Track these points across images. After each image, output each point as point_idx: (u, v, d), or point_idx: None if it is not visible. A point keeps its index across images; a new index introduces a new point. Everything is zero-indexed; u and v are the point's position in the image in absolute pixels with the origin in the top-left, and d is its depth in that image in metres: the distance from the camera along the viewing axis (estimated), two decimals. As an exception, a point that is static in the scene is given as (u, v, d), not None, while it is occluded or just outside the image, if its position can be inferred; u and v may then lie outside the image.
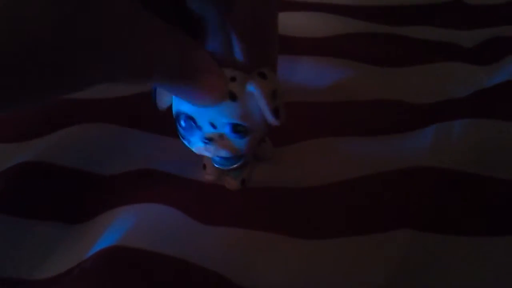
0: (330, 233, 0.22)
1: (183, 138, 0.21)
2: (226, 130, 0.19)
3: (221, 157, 0.22)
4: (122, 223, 0.22)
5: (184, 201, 0.23)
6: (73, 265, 0.21)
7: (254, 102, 0.19)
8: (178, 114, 0.20)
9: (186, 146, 0.21)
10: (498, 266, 0.20)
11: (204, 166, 0.24)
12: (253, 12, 0.19)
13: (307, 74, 0.31)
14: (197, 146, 0.20)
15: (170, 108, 0.21)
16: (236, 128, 0.19)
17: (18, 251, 0.23)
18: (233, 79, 0.19)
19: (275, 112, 0.19)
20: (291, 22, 0.35)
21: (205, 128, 0.19)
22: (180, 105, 0.19)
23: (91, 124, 0.28)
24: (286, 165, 0.25)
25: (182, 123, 0.20)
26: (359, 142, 0.26)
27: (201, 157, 0.24)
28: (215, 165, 0.23)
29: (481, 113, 0.26)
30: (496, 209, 0.22)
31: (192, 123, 0.19)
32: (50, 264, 0.22)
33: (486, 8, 0.37)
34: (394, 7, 0.38)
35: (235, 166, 0.23)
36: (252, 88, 0.18)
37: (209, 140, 0.19)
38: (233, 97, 0.19)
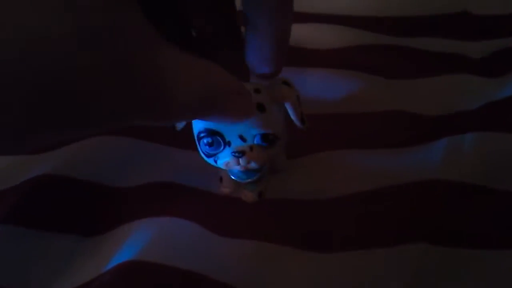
0: (343, 246, 0.22)
1: (208, 156, 0.21)
2: (257, 141, 0.20)
3: (242, 171, 0.22)
4: (139, 237, 0.22)
5: (200, 213, 0.24)
6: (91, 278, 0.22)
7: (278, 110, 0.20)
8: (202, 132, 0.20)
9: (206, 162, 0.21)
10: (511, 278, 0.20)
11: (221, 179, 0.25)
12: (282, 20, 0.19)
13: (318, 86, 0.31)
14: (226, 161, 0.20)
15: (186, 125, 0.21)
16: (266, 138, 0.19)
17: (35, 264, 0.23)
18: (257, 91, 0.19)
19: (302, 118, 0.20)
20: (303, 34, 0.35)
21: (234, 142, 0.20)
22: (205, 123, 0.20)
23: (106, 137, 0.28)
24: (299, 177, 0.26)
25: (208, 139, 0.20)
26: (370, 155, 0.27)
27: (216, 169, 0.25)
28: (233, 177, 0.23)
29: (492, 126, 0.27)
30: (508, 222, 0.22)
31: (220, 139, 0.19)
32: (67, 276, 0.22)
33: (494, 19, 0.37)
34: (402, 19, 0.38)
35: (253, 179, 0.23)
36: (283, 98, 0.19)
37: (240, 153, 0.20)
38: (261, 108, 0.19)
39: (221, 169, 0.24)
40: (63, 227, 0.24)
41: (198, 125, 0.20)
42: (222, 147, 0.20)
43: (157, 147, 0.28)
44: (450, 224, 0.22)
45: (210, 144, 0.20)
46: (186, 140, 0.27)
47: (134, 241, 0.22)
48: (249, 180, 0.23)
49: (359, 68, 0.32)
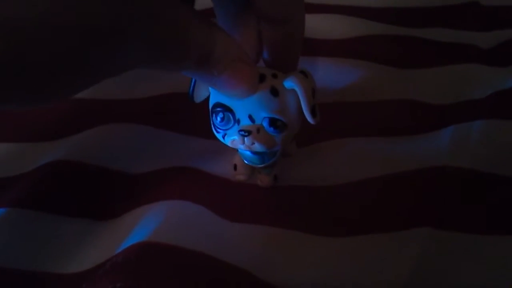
0: (351, 231, 0.22)
1: (217, 131, 0.21)
2: (265, 123, 0.20)
3: (256, 155, 0.22)
4: (151, 219, 0.23)
5: (211, 198, 0.24)
6: (104, 260, 0.22)
7: (293, 100, 0.20)
8: (216, 106, 0.20)
9: (218, 141, 0.21)
10: None
11: (235, 167, 0.25)
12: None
13: (327, 75, 0.31)
14: (232, 138, 0.20)
15: (202, 104, 0.21)
16: (274, 123, 0.19)
17: (48, 246, 0.23)
18: (274, 75, 0.19)
19: (313, 111, 0.20)
20: (311, 24, 0.35)
21: (243, 121, 0.20)
22: (219, 97, 0.20)
23: (119, 124, 0.29)
24: (307, 164, 0.26)
25: (220, 115, 0.20)
26: (378, 143, 0.27)
27: (230, 155, 0.25)
28: (248, 163, 0.23)
29: (499, 114, 0.27)
30: None
31: (230, 115, 0.20)
32: (80, 259, 0.23)
33: (503, 9, 0.37)
34: (411, 9, 0.38)
35: (269, 163, 0.23)
36: (294, 85, 0.19)
37: (246, 132, 0.20)
38: (275, 92, 0.19)
39: (236, 156, 0.25)
40: (76, 211, 0.25)
41: (213, 99, 0.20)
42: (231, 124, 0.20)
43: (168, 134, 0.28)
44: (456, 210, 0.23)
45: (222, 119, 0.20)
46: (197, 127, 0.27)
47: (146, 224, 0.23)
48: (264, 164, 0.23)
49: (368, 58, 0.32)
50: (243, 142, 0.20)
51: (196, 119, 0.23)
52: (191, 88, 0.20)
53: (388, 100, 0.30)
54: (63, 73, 0.13)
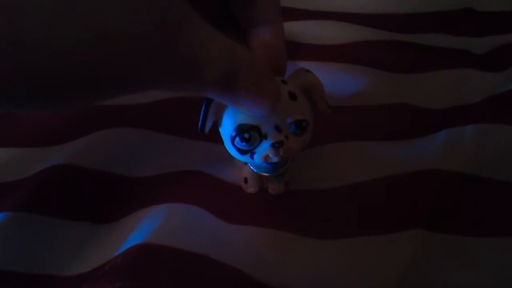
0: (346, 233, 0.23)
1: (243, 153, 0.20)
2: (292, 129, 0.20)
3: (270, 165, 0.22)
4: (150, 222, 0.23)
5: (210, 200, 0.24)
6: (103, 262, 0.23)
7: (305, 98, 0.20)
8: (236, 129, 0.19)
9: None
10: (508, 266, 0.21)
11: (246, 180, 0.25)
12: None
13: (325, 80, 0.31)
14: (263, 154, 0.20)
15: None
16: (300, 125, 0.20)
17: (50, 250, 0.24)
18: (284, 82, 0.20)
19: (327, 103, 0.21)
20: (311, 31, 0.36)
21: (271, 134, 0.20)
22: (237, 119, 0.19)
23: (121, 129, 0.29)
24: (307, 168, 0.26)
25: (246, 135, 0.19)
26: (374, 146, 0.27)
27: (230, 158, 0.25)
28: (260, 172, 0.23)
29: (493, 119, 0.27)
30: (506, 211, 0.23)
31: (256, 133, 0.19)
32: (80, 261, 0.23)
33: (497, 15, 0.37)
34: (406, 15, 0.38)
35: (281, 171, 0.23)
36: (309, 83, 0.20)
37: (279, 143, 0.19)
38: (293, 97, 0.19)
39: (245, 168, 0.24)
40: (77, 214, 0.25)
41: (230, 124, 0.20)
42: (258, 141, 0.20)
43: (169, 138, 0.29)
44: (447, 212, 0.23)
45: (246, 140, 0.19)
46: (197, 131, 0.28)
47: (145, 226, 0.23)
48: (278, 172, 0.23)
49: (363, 63, 0.33)
50: (279, 154, 0.20)
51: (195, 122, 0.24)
52: (201, 120, 0.20)
53: (383, 105, 0.30)
54: (81, 87, 0.13)
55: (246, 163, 0.24)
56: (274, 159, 0.20)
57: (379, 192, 0.25)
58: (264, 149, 0.20)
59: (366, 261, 0.22)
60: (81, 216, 0.25)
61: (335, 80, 0.32)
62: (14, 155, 0.29)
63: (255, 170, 0.24)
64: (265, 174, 0.23)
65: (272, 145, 0.19)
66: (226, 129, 0.20)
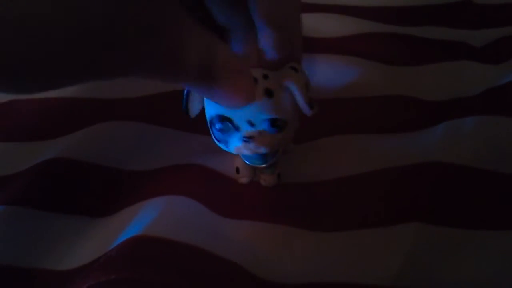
0: (344, 226, 0.23)
1: (219, 141, 0.21)
2: (265, 126, 0.20)
3: (258, 156, 0.22)
4: (146, 214, 0.23)
5: (207, 193, 0.24)
6: (98, 255, 0.22)
7: (287, 96, 0.20)
8: (213, 118, 0.20)
9: (220, 147, 0.22)
10: (508, 259, 0.21)
11: (238, 170, 0.25)
12: (280, 7, 0.19)
13: (323, 73, 0.32)
14: (236, 146, 0.20)
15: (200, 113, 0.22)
16: (274, 123, 0.19)
17: (44, 244, 0.23)
18: (265, 76, 0.19)
19: (310, 103, 0.20)
20: (308, 23, 0.35)
21: (243, 127, 0.20)
22: (215, 108, 0.20)
23: (115, 122, 0.29)
24: (303, 161, 0.26)
25: (219, 125, 0.20)
26: (371, 139, 0.27)
27: (225, 151, 0.25)
28: (250, 163, 0.23)
29: (491, 111, 0.27)
30: (506, 204, 0.23)
31: (229, 124, 0.20)
32: (75, 255, 0.23)
33: (496, 7, 0.37)
34: (405, 8, 0.38)
35: (271, 162, 0.23)
36: (287, 82, 0.19)
37: (249, 138, 0.20)
38: (269, 93, 0.19)
39: (237, 158, 0.25)
40: (70, 209, 0.25)
41: (209, 112, 0.20)
42: (231, 132, 0.20)
43: (165, 132, 0.28)
44: (448, 205, 0.23)
45: (221, 130, 0.20)
46: (193, 124, 0.27)
47: (141, 218, 0.23)
48: (267, 164, 0.23)
49: (361, 56, 0.32)
50: (248, 148, 0.20)
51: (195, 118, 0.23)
52: (184, 102, 0.20)
53: (382, 97, 0.30)
54: (56, 71, 0.13)
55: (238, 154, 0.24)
56: (245, 152, 0.20)
57: (378, 184, 0.24)
58: (236, 141, 0.20)
59: (366, 254, 0.22)
60: (75, 210, 0.25)
61: (332, 72, 0.32)
62: (7, 150, 0.28)
63: (245, 161, 0.24)
64: (254, 165, 0.24)
65: (241, 139, 0.20)
66: (207, 117, 0.21)
